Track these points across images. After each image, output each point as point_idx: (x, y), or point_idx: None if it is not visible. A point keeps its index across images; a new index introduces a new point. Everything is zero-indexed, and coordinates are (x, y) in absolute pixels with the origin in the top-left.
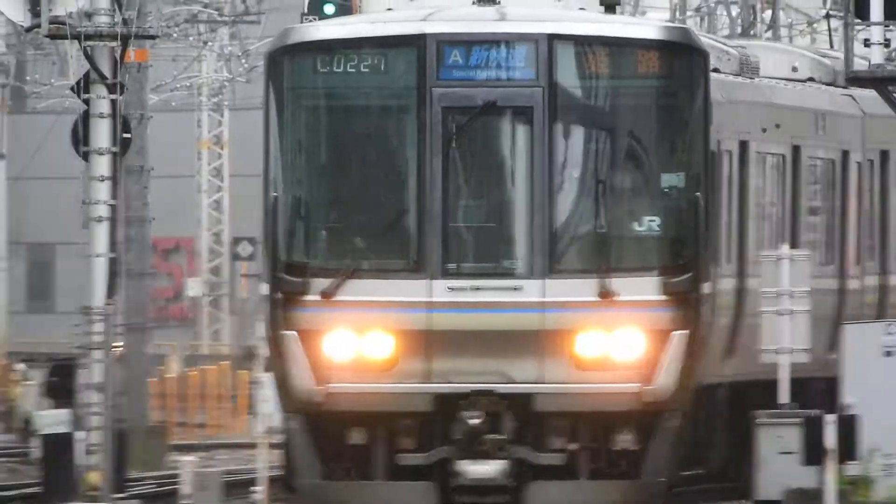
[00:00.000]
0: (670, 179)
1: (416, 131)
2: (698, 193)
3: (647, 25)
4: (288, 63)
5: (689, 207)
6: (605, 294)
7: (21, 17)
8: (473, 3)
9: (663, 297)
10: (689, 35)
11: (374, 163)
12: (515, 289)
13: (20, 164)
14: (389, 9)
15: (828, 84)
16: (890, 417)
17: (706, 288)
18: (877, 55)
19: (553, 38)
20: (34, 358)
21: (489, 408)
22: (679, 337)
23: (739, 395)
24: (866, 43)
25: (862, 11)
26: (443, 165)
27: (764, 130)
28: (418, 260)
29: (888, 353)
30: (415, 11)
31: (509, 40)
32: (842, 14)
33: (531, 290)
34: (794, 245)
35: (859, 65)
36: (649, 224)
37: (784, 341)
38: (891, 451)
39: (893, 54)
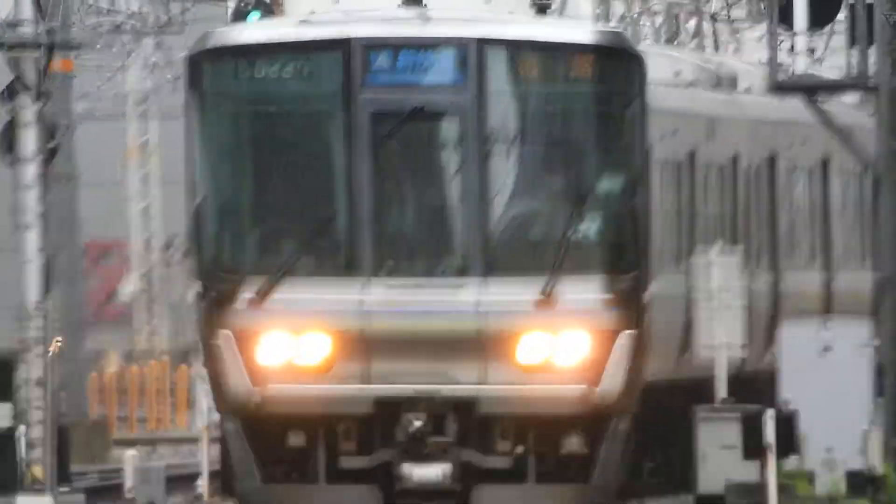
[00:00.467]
0: (608, 183)
1: (344, 136)
2: (636, 196)
3: (580, 29)
4: (209, 67)
5: (628, 210)
6: (546, 295)
7: None
8: (400, 5)
9: (607, 298)
10: (623, 38)
11: (304, 166)
12: (453, 288)
13: None
14: (313, 11)
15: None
16: (828, 413)
17: (650, 288)
18: (801, 63)
19: (482, 42)
20: None
21: (432, 410)
22: (625, 337)
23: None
24: (791, 50)
25: (786, 19)
26: (372, 168)
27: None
28: (353, 259)
29: (825, 350)
30: (340, 14)
31: (437, 44)
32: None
33: (469, 291)
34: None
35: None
36: (590, 225)
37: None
38: (831, 445)
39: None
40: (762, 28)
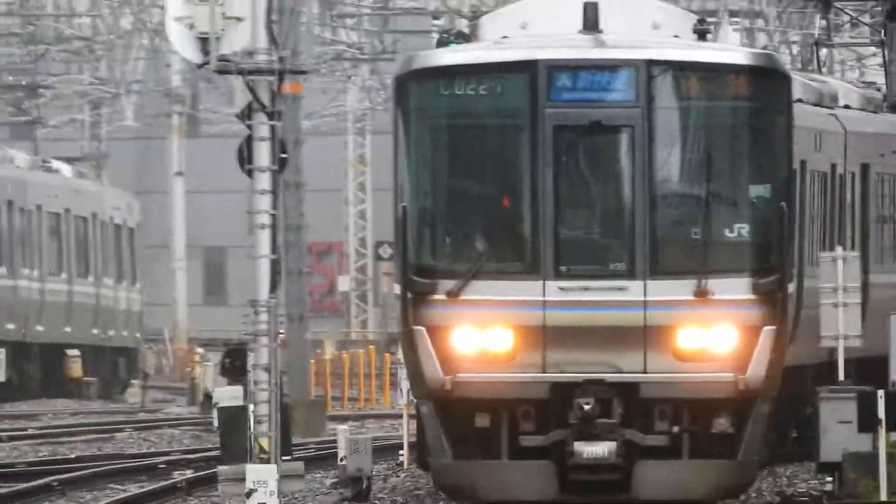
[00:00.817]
0: (758, 190)
1: (529, 147)
2: (783, 203)
3: (737, 51)
4: (413, 86)
5: (774, 216)
6: (701, 293)
7: (194, 55)
8: (579, 31)
9: (754, 297)
10: (774, 60)
11: (493, 176)
12: (620, 289)
13: (195, 180)
14: (505, 37)
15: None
16: None
17: (790, 287)
18: None
19: (651, 64)
20: (211, 343)
21: (600, 395)
22: (768, 332)
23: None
24: None
25: None
26: (554, 178)
27: None
28: (533, 262)
29: None
30: (528, 39)
31: (612, 65)
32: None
33: (634, 290)
34: None
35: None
36: (739, 231)
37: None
38: None
39: None
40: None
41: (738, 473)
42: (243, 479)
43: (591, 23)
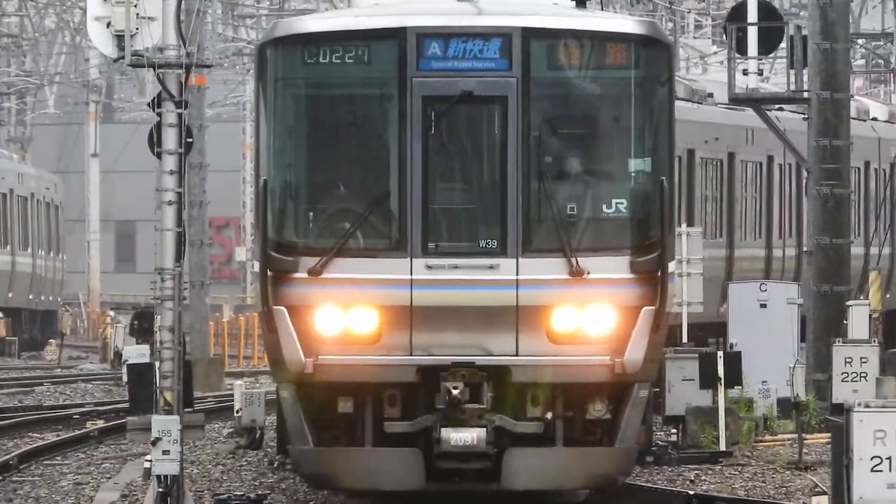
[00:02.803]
0: (637, 164)
1: (397, 119)
2: (663, 177)
3: (616, 19)
4: (276, 54)
5: (654, 190)
6: (576, 272)
7: (110, 50)
8: None
9: (632, 275)
10: (657, 28)
11: (358, 149)
12: (491, 267)
13: (109, 161)
14: (377, 3)
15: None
16: (764, 354)
17: (672, 266)
18: (752, 81)
19: (527, 31)
20: (121, 307)
21: (469, 379)
22: (647, 312)
23: None
24: (744, 72)
25: (741, 47)
26: (422, 151)
27: None
28: (400, 239)
29: (763, 305)
30: (399, 6)
31: (485, 33)
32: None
33: (506, 269)
34: None
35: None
36: (618, 206)
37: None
38: (766, 378)
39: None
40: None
41: (616, 461)
42: (149, 429)
43: None
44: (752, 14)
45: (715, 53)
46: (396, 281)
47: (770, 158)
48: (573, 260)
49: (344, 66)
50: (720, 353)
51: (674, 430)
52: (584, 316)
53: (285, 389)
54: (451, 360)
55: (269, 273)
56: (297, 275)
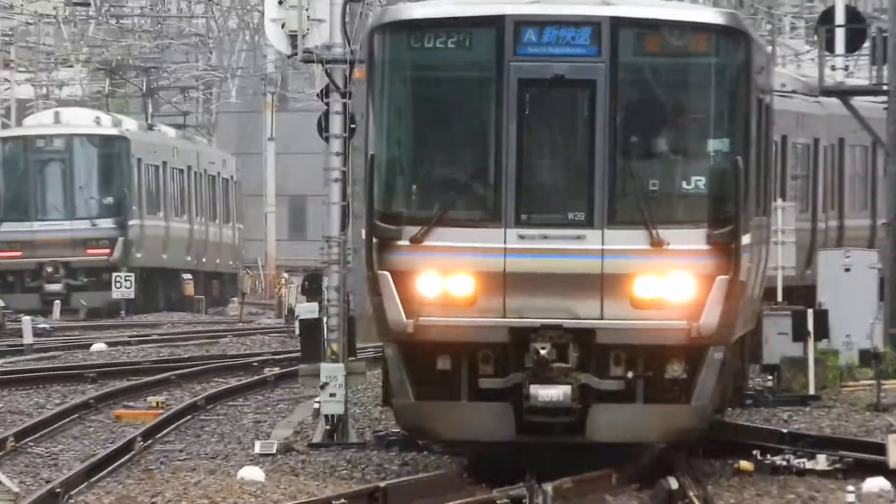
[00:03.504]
0: (715, 144)
1: (494, 100)
2: (738, 157)
3: (699, 10)
4: (384, 39)
5: (730, 169)
6: (656, 243)
7: (284, 48)
8: None
9: (708, 247)
10: (736, 19)
11: (458, 127)
12: (578, 237)
13: (283, 144)
14: None
15: None
16: (848, 311)
17: (745, 239)
18: (840, 76)
19: (615, 20)
20: (294, 270)
21: (556, 340)
22: (721, 281)
23: None
24: (832, 67)
25: (830, 45)
26: (517, 130)
27: None
28: (495, 211)
29: (846, 270)
30: None
31: (577, 21)
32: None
33: (592, 239)
34: None
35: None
36: (696, 183)
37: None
38: (849, 332)
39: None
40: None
41: (691, 417)
42: (318, 375)
43: None
44: (840, 17)
45: (808, 51)
46: (491, 249)
47: (841, 141)
48: (654, 232)
49: (446, 51)
50: (810, 311)
51: (770, 377)
52: (664, 283)
53: (389, 347)
54: (540, 322)
55: (374, 241)
56: (401, 242)
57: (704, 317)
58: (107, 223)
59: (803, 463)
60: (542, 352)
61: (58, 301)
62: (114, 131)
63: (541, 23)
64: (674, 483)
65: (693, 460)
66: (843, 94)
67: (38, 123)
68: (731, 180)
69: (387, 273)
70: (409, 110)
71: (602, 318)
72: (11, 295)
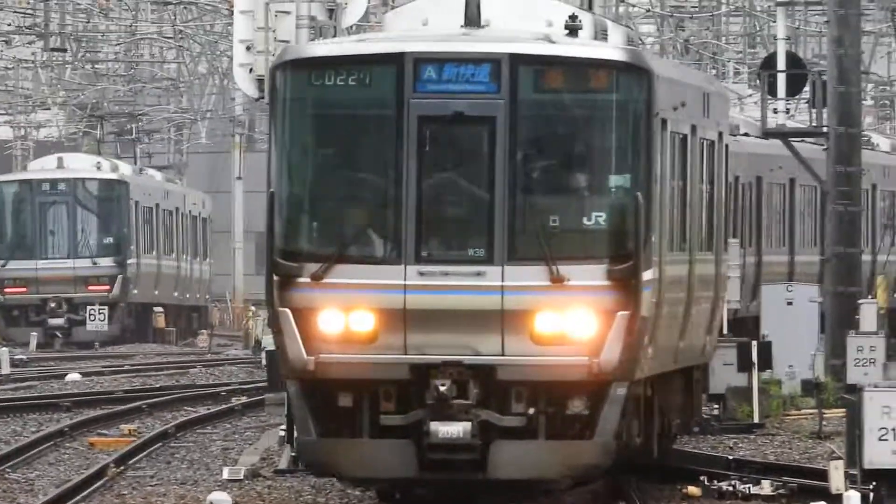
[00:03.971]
0: (615, 180)
1: (395, 137)
2: (639, 193)
3: (600, 47)
4: (284, 76)
5: (630, 205)
6: (557, 279)
7: (252, 91)
8: (461, 26)
9: (608, 283)
10: (637, 56)
11: (359, 164)
12: (478, 273)
13: (251, 183)
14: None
15: None
16: (791, 343)
17: (648, 274)
18: (781, 118)
19: (514, 57)
20: (260, 303)
21: (456, 376)
22: (622, 316)
23: None
24: (774, 110)
25: (772, 90)
26: (417, 167)
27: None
28: (395, 247)
29: (789, 304)
30: (399, 33)
31: (476, 59)
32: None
33: (492, 275)
34: None
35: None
36: (597, 219)
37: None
38: (792, 363)
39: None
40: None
41: (594, 454)
42: (283, 404)
43: (472, 18)
44: (781, 62)
45: (750, 95)
46: (391, 286)
47: (792, 181)
48: (554, 268)
49: (347, 88)
50: (754, 343)
51: (716, 406)
52: (564, 319)
53: (291, 385)
54: (441, 359)
55: (275, 278)
56: (301, 279)
57: (605, 352)
58: (107, 262)
59: (749, 488)
60: (442, 388)
61: (34, 334)
62: (114, 175)
63: (440, 60)
64: None
65: (642, 485)
66: (785, 135)
67: (42, 168)
68: (631, 216)
69: (287, 310)
70: (310, 147)
71: (503, 355)
72: (17, 328)
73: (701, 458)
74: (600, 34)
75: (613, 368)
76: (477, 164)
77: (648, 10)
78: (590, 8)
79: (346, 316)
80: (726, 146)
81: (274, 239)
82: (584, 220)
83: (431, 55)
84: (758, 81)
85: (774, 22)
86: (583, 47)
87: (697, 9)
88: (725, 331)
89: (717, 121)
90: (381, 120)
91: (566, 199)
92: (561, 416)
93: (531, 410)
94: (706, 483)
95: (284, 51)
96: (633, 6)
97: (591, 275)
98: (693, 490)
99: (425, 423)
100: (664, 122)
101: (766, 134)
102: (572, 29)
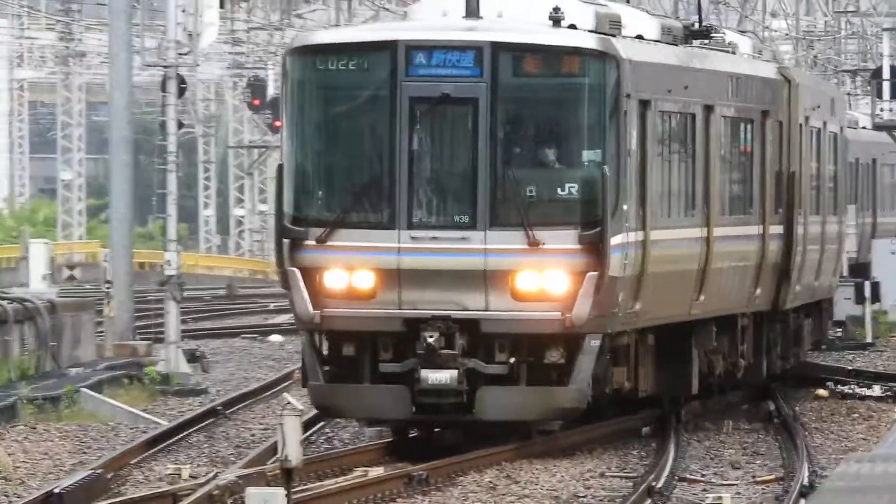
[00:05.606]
0: (587, 155)
1: (389, 116)
2: (606, 166)
3: (574, 35)
4: (293, 61)
5: (599, 177)
6: (534, 243)
7: None
8: (462, 17)
9: (579, 246)
10: (607, 43)
11: (358, 140)
12: (463, 238)
13: None
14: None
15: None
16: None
17: (618, 239)
18: (886, 115)
19: (495, 45)
20: None
21: (445, 329)
22: (591, 276)
23: None
24: (881, 109)
25: (879, 93)
26: (409, 143)
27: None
28: (390, 214)
29: (893, 253)
30: (396, 23)
31: (462, 46)
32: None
33: (476, 239)
34: None
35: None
36: (569, 189)
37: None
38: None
39: None
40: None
41: (569, 398)
42: None
43: (471, 10)
44: (887, 72)
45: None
46: (387, 248)
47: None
48: (531, 233)
49: (347, 72)
50: (867, 282)
51: (839, 330)
52: (541, 279)
53: (302, 336)
54: (430, 313)
55: (284, 241)
56: (308, 242)
57: (576, 308)
58: None
59: (864, 391)
60: (430, 340)
61: None
62: None
63: (429, 47)
64: (772, 405)
65: (784, 390)
66: (890, 128)
67: None
68: (599, 187)
69: (296, 269)
70: (315, 125)
71: (487, 310)
72: None
73: (827, 369)
74: (609, 25)
75: (583, 323)
76: (462, 141)
77: (787, 34)
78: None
79: (348, 275)
80: (845, 137)
81: (283, 206)
82: (558, 191)
83: (421, 43)
84: (869, 87)
85: (881, 42)
86: (557, 36)
87: (824, 32)
88: (846, 273)
89: (838, 118)
90: (376, 100)
91: (542, 171)
92: (539, 364)
93: (512, 360)
94: (832, 387)
95: (295, 37)
96: (775, 31)
97: (563, 239)
98: (822, 392)
99: (417, 370)
100: (646, 103)
101: (877, 127)
102: (555, 20)
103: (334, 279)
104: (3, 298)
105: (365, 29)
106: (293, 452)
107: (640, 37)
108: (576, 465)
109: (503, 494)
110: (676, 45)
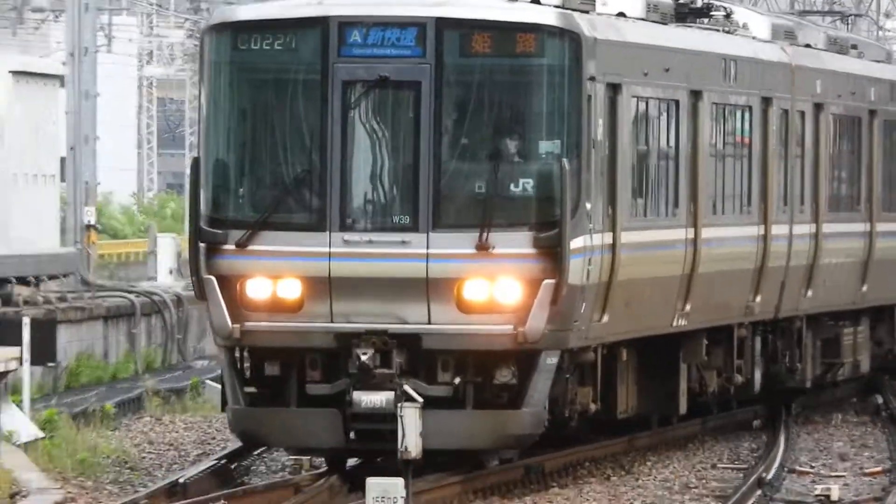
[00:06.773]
0: (545, 147)
1: (319, 102)
2: (565, 159)
3: (528, 9)
4: (211, 40)
5: (557, 172)
6: (482, 246)
7: None
8: None
9: (534, 250)
10: (568, 19)
11: (284, 130)
12: (403, 241)
13: None
14: None
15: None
16: None
17: (578, 242)
18: None
19: (440, 21)
20: None
21: (381, 345)
22: (547, 285)
23: None
24: None
25: None
26: (341, 132)
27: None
28: (319, 214)
29: None
30: None
31: (402, 22)
32: None
33: (417, 243)
34: None
35: None
36: (524, 185)
37: None
38: None
39: None
40: None
41: (523, 423)
42: None
43: None
44: None
45: None
46: (316, 253)
47: None
48: (481, 236)
49: (272, 52)
50: None
51: None
52: (490, 288)
53: (221, 353)
54: (364, 327)
55: (200, 245)
56: (226, 247)
57: (530, 321)
58: None
59: None
60: (364, 357)
61: None
62: None
63: (366, 24)
64: (880, 399)
65: (892, 383)
66: None
67: None
68: (559, 183)
69: (212, 278)
70: (235, 112)
71: (429, 323)
72: None
73: None
74: (580, 1)
75: (538, 338)
76: (402, 130)
77: None
78: None
79: (272, 283)
80: None
81: (198, 205)
82: (511, 187)
83: (356, 19)
84: None
85: None
86: (511, 11)
87: None
88: None
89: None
90: (305, 84)
91: (492, 165)
92: (489, 385)
93: (458, 380)
94: None
95: (214, 13)
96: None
97: (516, 242)
98: None
99: (349, 392)
100: (616, 87)
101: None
102: None
103: (256, 288)
104: (131, 292)
105: (293, 4)
106: (412, 443)
107: (622, 14)
108: (688, 456)
109: (617, 485)
110: (665, 25)
